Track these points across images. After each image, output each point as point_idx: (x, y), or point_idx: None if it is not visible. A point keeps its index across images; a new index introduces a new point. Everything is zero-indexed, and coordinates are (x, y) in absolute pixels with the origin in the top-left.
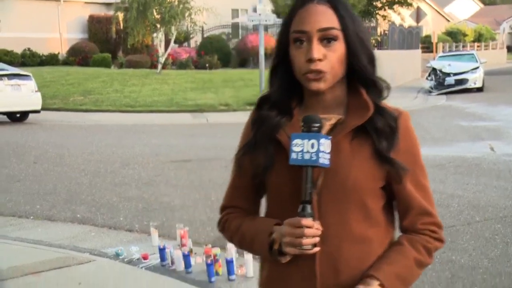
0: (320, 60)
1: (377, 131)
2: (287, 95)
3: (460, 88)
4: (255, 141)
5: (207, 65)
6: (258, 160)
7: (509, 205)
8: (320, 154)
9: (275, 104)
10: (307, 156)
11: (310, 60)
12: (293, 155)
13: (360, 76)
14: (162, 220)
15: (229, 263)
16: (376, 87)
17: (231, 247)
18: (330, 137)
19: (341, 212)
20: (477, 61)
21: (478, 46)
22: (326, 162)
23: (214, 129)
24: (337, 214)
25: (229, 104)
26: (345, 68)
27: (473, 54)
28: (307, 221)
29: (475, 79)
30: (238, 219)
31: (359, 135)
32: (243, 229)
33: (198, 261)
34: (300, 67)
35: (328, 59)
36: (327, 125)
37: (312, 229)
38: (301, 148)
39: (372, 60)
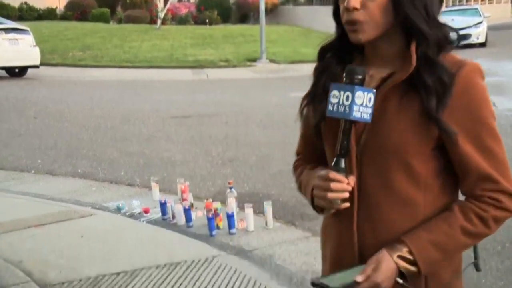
0: (356, 9)
1: (426, 88)
2: (348, 44)
3: (462, 43)
4: (314, 91)
5: (207, 20)
6: (316, 111)
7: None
8: (355, 108)
9: (335, 53)
10: (341, 109)
11: (347, 10)
12: (329, 107)
13: (405, 25)
14: (162, 175)
15: (229, 217)
16: (425, 37)
17: (231, 201)
18: (373, 90)
19: (382, 173)
20: (480, 16)
21: (482, 0)
22: (365, 116)
23: (214, 85)
24: (377, 174)
25: (229, 60)
26: (393, 17)
27: (476, 8)
28: (334, 175)
29: (478, 34)
30: (300, 167)
31: (410, 92)
32: (301, 179)
33: (199, 215)
34: (342, 17)
35: (367, 8)
36: (376, 78)
37: (340, 183)
38: (337, 99)
39: (424, 6)
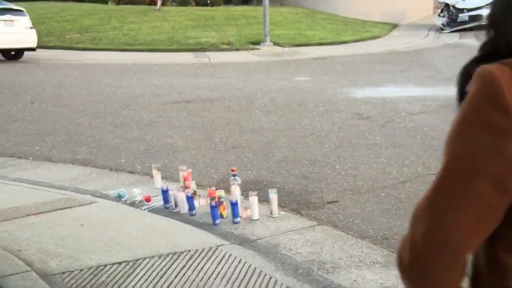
0: None
1: None
2: None
3: (474, 25)
4: None
5: (208, 1)
6: None
7: None
8: None
9: None
10: None
11: None
12: None
13: None
14: (164, 162)
15: (233, 205)
16: None
17: (235, 189)
18: None
19: None
20: None
21: None
22: None
23: (216, 69)
24: None
25: (231, 43)
26: None
27: None
28: None
29: None
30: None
31: None
32: None
33: (202, 203)
34: None
35: None
36: None
37: None
38: None
39: None
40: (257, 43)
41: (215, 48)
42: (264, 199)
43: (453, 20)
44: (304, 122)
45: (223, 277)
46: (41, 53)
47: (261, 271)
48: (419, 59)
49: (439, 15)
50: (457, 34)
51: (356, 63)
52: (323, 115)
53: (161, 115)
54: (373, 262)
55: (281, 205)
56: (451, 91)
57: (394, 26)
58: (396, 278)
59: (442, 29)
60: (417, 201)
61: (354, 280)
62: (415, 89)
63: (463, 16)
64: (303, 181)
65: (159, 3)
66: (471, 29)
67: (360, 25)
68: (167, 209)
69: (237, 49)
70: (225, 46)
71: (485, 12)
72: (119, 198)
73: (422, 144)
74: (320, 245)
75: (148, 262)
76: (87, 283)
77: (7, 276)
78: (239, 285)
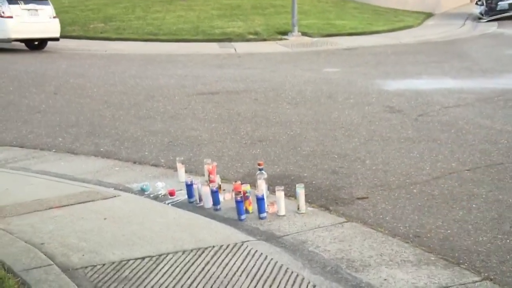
0: None
1: None
2: None
3: None
4: None
5: None
6: None
7: None
8: None
9: None
10: None
11: None
12: None
13: None
14: (189, 155)
15: (259, 200)
16: None
17: (261, 184)
18: None
19: None
20: None
21: None
22: None
23: (242, 59)
24: None
25: (258, 33)
26: None
27: None
28: None
29: None
30: None
31: None
32: None
33: (227, 198)
34: None
35: None
36: None
37: None
38: None
39: None
40: (285, 33)
41: (242, 38)
42: (291, 194)
43: (491, 8)
44: (333, 115)
45: (248, 274)
46: (65, 43)
47: (287, 268)
48: (455, 49)
49: (476, 3)
50: (495, 23)
51: (388, 54)
52: (353, 108)
53: (185, 107)
54: (404, 261)
55: (308, 201)
56: (489, 83)
57: (429, 15)
58: (428, 278)
59: (479, 18)
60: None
61: (385, 279)
62: (450, 81)
63: (503, 4)
64: (331, 176)
65: None
66: (511, 17)
67: (392, 14)
68: (191, 203)
69: (264, 39)
70: (251, 36)
71: None
72: (142, 191)
73: (456, 138)
74: (349, 243)
75: (172, 258)
76: (110, 278)
77: (30, 269)
78: (265, 283)
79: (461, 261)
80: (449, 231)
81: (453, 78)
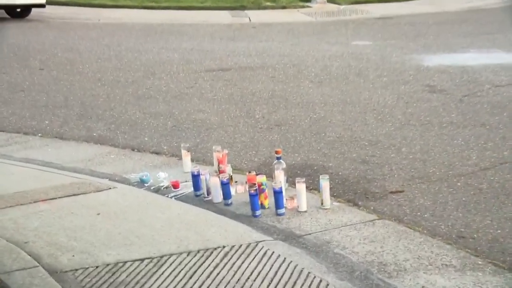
0: None
1: None
2: None
3: None
4: None
5: None
6: None
7: None
8: None
9: None
10: None
11: None
12: None
13: None
14: (195, 141)
15: (277, 194)
16: None
17: (279, 175)
18: None
19: None
20: None
21: None
22: None
23: (258, 30)
24: None
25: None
26: None
27: None
28: None
29: None
30: None
31: None
32: None
33: (239, 191)
34: None
35: None
36: None
37: None
38: None
39: None
40: None
41: (257, 5)
42: (314, 187)
43: None
44: (364, 96)
45: (263, 279)
46: (52, 10)
47: (309, 272)
48: (510, 18)
49: None
50: None
51: (429, 23)
52: (386, 87)
53: (192, 85)
54: (446, 265)
55: (334, 195)
56: None
57: None
58: (474, 285)
59: None
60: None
61: (422, 286)
62: (503, 56)
63: None
64: (361, 166)
65: None
66: None
67: None
68: (198, 197)
69: (284, 7)
70: (268, 4)
71: None
72: (141, 183)
73: (509, 122)
74: (381, 243)
75: (175, 259)
76: (104, 282)
77: (12, 271)
78: None
79: None
80: (499, 231)
81: (507, 52)
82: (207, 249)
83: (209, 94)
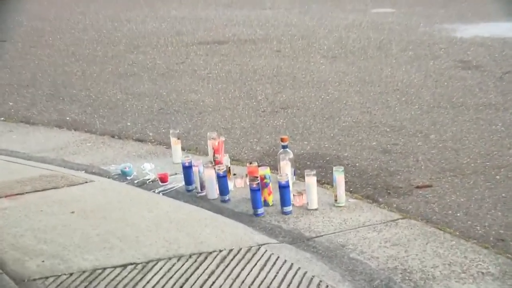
0: None
1: None
2: None
3: None
4: None
5: None
6: None
7: None
8: None
9: None
10: None
11: None
12: None
13: None
14: (187, 126)
15: (283, 188)
16: None
17: (285, 166)
18: None
19: None
20: None
21: None
22: None
23: None
24: None
25: None
26: None
27: None
28: None
29: None
30: None
31: None
32: None
33: (238, 185)
34: None
35: None
36: None
37: None
38: None
39: None
40: None
41: None
42: (326, 181)
43: None
44: (385, 73)
45: None
46: None
47: (320, 281)
48: None
49: None
50: None
51: None
52: (412, 63)
53: (182, 61)
54: (482, 273)
55: (350, 190)
56: None
57: None
58: None
59: None
60: None
61: None
62: None
63: None
64: (382, 156)
65: None
66: None
67: None
68: (190, 192)
69: None
70: None
71: None
72: (123, 176)
73: None
74: (406, 247)
75: (164, 265)
76: None
77: None
78: None
79: None
80: None
81: None
82: (201, 254)
83: (203, 71)
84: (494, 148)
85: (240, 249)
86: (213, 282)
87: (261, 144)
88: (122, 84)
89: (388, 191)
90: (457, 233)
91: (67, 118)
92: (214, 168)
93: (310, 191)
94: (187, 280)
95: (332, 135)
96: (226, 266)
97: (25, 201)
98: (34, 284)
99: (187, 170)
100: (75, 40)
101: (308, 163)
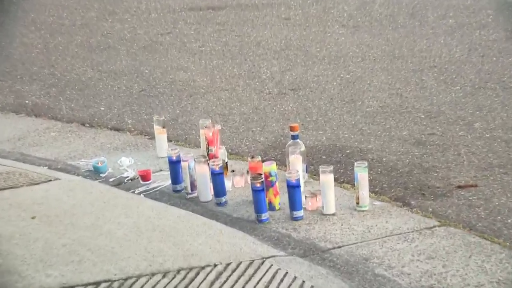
0: None
1: None
2: None
3: None
4: None
5: None
6: None
7: None
8: None
9: None
10: None
11: None
12: None
13: None
14: (174, 112)
15: (292, 188)
16: None
17: (295, 161)
18: None
19: None
20: None
21: None
22: None
23: None
24: None
25: None
26: None
27: None
28: None
29: None
30: None
31: None
32: None
33: (238, 184)
34: None
35: None
36: None
37: None
38: None
39: None
40: None
41: None
42: (346, 179)
43: None
44: (419, 46)
45: None
46: None
47: None
48: None
49: None
50: None
51: None
52: (453, 33)
53: (168, 31)
54: None
55: (375, 191)
56: None
57: None
58: None
59: None
60: None
61: None
62: None
63: None
64: (415, 149)
65: None
66: None
67: None
68: (178, 193)
69: None
70: None
71: None
72: (96, 173)
73: None
74: (444, 261)
75: (146, 283)
76: None
77: None
78: None
79: None
80: None
81: None
82: (192, 269)
83: (194, 44)
84: None
85: (240, 263)
86: None
87: (266, 134)
88: (94, 59)
89: (423, 192)
90: (508, 244)
91: (26, 102)
92: (208, 164)
93: (326, 192)
94: None
95: (353, 122)
96: (223, 284)
97: None
98: None
99: (174, 166)
100: (35, 5)
101: (324, 157)
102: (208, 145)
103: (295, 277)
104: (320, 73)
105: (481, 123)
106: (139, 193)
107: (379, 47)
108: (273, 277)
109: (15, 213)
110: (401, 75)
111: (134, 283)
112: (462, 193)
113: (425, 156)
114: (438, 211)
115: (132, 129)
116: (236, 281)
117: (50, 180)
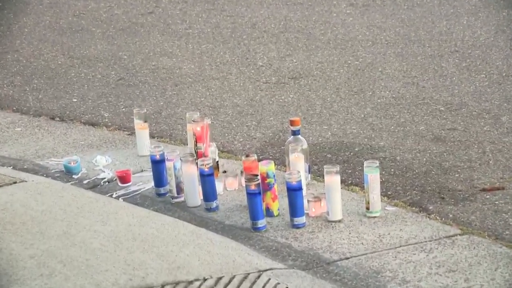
0: None
1: None
2: None
3: None
4: None
5: None
6: None
7: None
8: None
9: None
10: None
11: None
12: None
13: None
14: (157, 104)
15: (293, 192)
16: None
17: (296, 160)
18: None
19: None
20: None
21: None
22: None
23: None
24: None
25: None
26: None
27: None
28: None
29: None
30: None
31: None
32: None
33: (230, 187)
34: None
35: None
36: None
37: None
38: None
39: None
40: None
41: None
42: (354, 181)
43: None
44: (438, 28)
45: None
46: None
47: None
48: None
49: None
50: None
51: None
52: (477, 13)
53: (151, 10)
54: None
55: (388, 194)
56: None
57: None
58: None
59: None
60: None
61: None
62: None
63: None
64: (433, 146)
65: None
66: None
67: None
68: (162, 197)
69: None
70: None
71: None
72: (68, 173)
73: None
74: (466, 274)
75: None
76: None
77: None
78: None
79: None
80: None
81: None
82: (178, 283)
83: (180, 25)
84: None
85: (233, 276)
86: None
87: (262, 129)
88: (65, 43)
89: (442, 195)
90: None
91: None
92: (196, 163)
93: (332, 195)
94: None
95: (362, 116)
96: None
97: None
98: None
99: (157, 165)
100: None
101: (329, 156)
102: (196, 142)
103: None
104: (324, 59)
105: (509, 117)
106: (118, 197)
107: (392, 29)
108: None
109: None
110: (417, 61)
111: None
112: (487, 196)
113: (445, 154)
114: (460, 217)
115: (109, 123)
116: None
117: (15, 182)
